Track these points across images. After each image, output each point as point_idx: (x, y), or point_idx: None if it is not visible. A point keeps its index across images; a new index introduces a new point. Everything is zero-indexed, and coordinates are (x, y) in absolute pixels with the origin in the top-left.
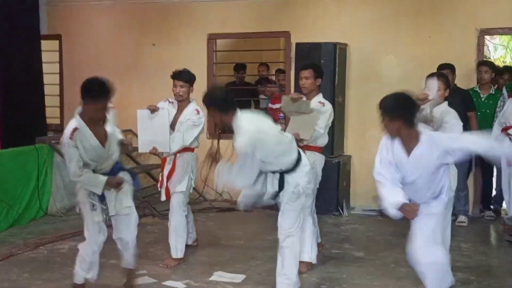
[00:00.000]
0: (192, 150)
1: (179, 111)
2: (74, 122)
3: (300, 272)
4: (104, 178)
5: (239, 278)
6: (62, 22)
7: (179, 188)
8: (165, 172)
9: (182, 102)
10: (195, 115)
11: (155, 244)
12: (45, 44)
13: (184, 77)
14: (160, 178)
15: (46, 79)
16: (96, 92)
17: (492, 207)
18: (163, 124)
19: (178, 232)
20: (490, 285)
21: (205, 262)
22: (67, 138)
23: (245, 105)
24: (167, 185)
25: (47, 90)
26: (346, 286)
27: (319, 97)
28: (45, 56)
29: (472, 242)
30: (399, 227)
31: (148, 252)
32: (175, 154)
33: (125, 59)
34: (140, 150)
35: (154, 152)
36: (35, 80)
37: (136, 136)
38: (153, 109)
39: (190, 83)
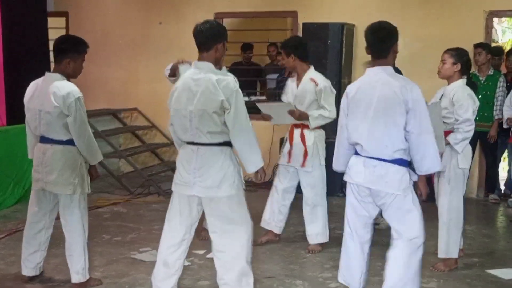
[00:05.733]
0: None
1: None
2: (68, 82)
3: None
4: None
5: None
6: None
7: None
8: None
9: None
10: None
11: (160, 222)
12: (51, 21)
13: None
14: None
15: (53, 56)
16: (85, 45)
17: (502, 190)
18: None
19: None
20: (493, 267)
21: (209, 241)
22: (80, 95)
23: (252, 85)
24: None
25: (53, 67)
26: None
27: (311, 72)
28: (51, 33)
29: (475, 225)
30: None
31: (153, 230)
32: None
33: (132, 37)
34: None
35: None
36: (41, 57)
37: (142, 114)
38: (181, 62)
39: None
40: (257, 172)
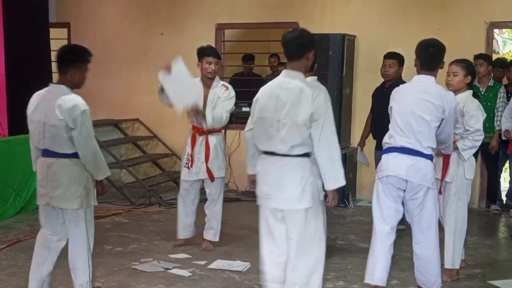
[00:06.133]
0: (219, 131)
1: (206, 89)
2: (74, 95)
3: None
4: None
5: (244, 266)
6: (71, 10)
7: (220, 174)
8: (198, 155)
9: (210, 80)
10: (224, 91)
11: (161, 233)
12: (53, 32)
13: (216, 53)
14: (190, 158)
15: (55, 67)
16: (89, 54)
17: (504, 201)
18: (184, 74)
19: (219, 217)
20: (496, 278)
21: (210, 251)
22: (87, 107)
23: (253, 96)
24: (207, 166)
25: (55, 78)
26: (351, 277)
27: (221, 82)
28: (53, 44)
29: (477, 236)
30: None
31: (154, 241)
32: (206, 134)
33: (133, 48)
34: (179, 112)
35: (193, 112)
36: (43, 67)
37: (143, 125)
38: (168, 67)
39: (219, 59)
40: (333, 192)
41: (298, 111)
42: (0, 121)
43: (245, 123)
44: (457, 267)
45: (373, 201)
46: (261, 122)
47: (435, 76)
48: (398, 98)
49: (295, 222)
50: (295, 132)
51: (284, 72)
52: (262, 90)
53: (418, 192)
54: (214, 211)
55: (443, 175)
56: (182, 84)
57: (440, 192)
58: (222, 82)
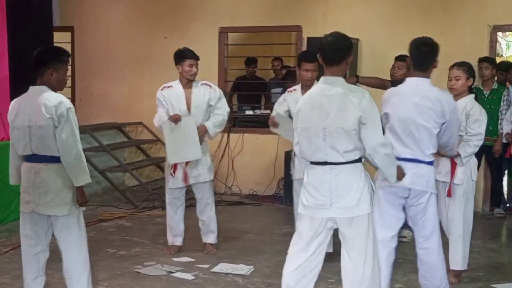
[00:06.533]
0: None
1: (188, 89)
2: (58, 94)
3: None
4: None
5: (247, 270)
6: (74, 14)
7: (210, 176)
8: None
9: (190, 82)
10: (210, 90)
11: (164, 236)
12: (57, 36)
13: (195, 54)
14: (173, 165)
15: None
16: (66, 54)
17: (507, 204)
18: (190, 132)
19: (215, 219)
20: (499, 282)
21: (213, 254)
22: (71, 106)
23: (256, 99)
24: (185, 170)
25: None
26: None
27: (200, 81)
28: None
29: (481, 239)
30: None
31: (157, 244)
32: None
33: (136, 52)
34: (171, 162)
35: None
36: None
37: (147, 129)
38: (177, 119)
39: (198, 59)
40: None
41: (345, 116)
42: (4, 124)
43: (248, 126)
44: (466, 267)
45: (375, 208)
46: (305, 134)
47: (429, 77)
48: (395, 103)
49: (357, 229)
50: (344, 138)
51: (322, 79)
52: (302, 100)
53: (421, 198)
54: (210, 215)
55: (451, 178)
56: (185, 140)
57: (449, 195)
58: (201, 81)
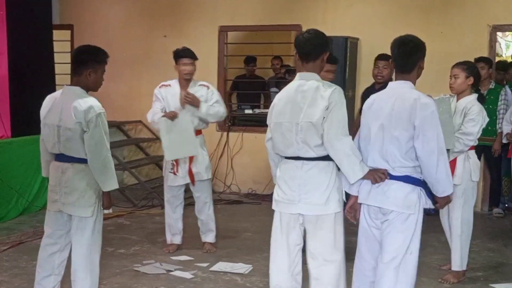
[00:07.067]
0: (200, 132)
1: (184, 90)
2: (90, 97)
3: None
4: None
5: (246, 269)
6: (74, 12)
7: (208, 175)
8: (184, 158)
9: (188, 81)
10: (208, 91)
11: (163, 234)
12: (57, 34)
13: (192, 54)
14: (175, 163)
15: (58, 69)
16: (105, 54)
17: (506, 204)
18: (186, 128)
19: (214, 218)
20: (498, 282)
21: (212, 253)
22: (102, 111)
23: (256, 98)
24: (190, 168)
25: (58, 79)
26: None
27: (198, 82)
28: (57, 46)
29: (480, 239)
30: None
31: (156, 243)
32: None
33: (136, 50)
34: (168, 158)
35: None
36: (46, 69)
37: (146, 127)
38: (173, 116)
39: (196, 60)
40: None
41: (315, 111)
42: (3, 122)
43: (247, 125)
44: (465, 268)
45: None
46: (278, 129)
47: (413, 80)
48: (375, 110)
49: (322, 228)
50: (314, 132)
51: (298, 75)
52: (278, 96)
53: (388, 215)
54: (209, 214)
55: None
56: (181, 137)
57: None
58: (200, 82)
